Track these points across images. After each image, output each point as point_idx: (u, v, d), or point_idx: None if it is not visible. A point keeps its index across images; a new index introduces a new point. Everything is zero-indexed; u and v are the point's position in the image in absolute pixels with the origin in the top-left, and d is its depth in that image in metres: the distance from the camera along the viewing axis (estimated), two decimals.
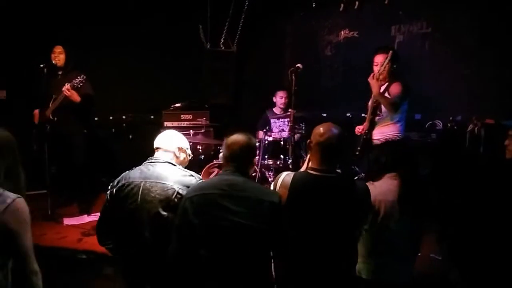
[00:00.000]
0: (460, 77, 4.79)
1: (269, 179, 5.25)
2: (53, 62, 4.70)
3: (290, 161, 4.73)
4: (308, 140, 2.35)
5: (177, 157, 2.63)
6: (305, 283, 2.23)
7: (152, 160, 2.54)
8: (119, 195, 2.43)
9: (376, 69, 4.01)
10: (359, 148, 4.14)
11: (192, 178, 2.49)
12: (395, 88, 3.96)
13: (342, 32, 6.05)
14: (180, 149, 2.64)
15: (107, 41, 5.93)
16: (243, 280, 2.13)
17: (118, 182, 2.48)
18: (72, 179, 4.83)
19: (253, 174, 5.23)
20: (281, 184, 2.30)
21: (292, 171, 2.60)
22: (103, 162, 5.47)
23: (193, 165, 5.27)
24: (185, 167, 2.67)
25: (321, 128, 2.30)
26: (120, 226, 2.44)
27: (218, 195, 2.17)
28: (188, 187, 2.39)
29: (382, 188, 2.54)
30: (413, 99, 4.96)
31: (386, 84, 4.07)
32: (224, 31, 6.69)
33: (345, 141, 2.32)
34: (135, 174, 2.47)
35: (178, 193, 2.38)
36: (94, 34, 5.78)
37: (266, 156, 5.23)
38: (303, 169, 2.53)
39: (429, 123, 5.00)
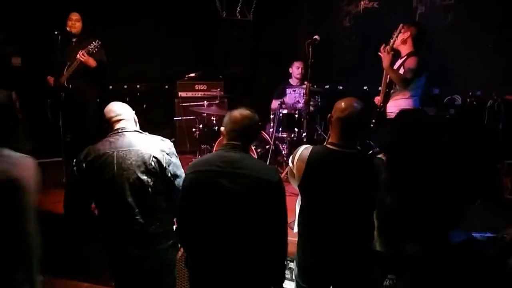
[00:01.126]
0: (482, 51, 4.67)
1: (283, 152, 5.23)
2: (69, 29, 4.65)
3: (305, 134, 4.68)
4: (329, 115, 2.30)
5: (136, 124, 2.64)
6: (323, 257, 2.23)
7: (119, 131, 2.52)
8: (92, 167, 2.43)
9: (390, 44, 3.91)
10: (373, 121, 4.08)
11: (163, 142, 2.52)
12: (410, 63, 3.86)
13: (362, 2, 5.88)
14: (134, 116, 2.65)
15: (122, 10, 5.87)
16: (240, 258, 2.13)
17: (86, 156, 2.45)
18: (86, 147, 4.84)
19: (267, 147, 5.22)
20: (298, 157, 2.27)
21: (306, 144, 2.56)
22: None
23: (207, 136, 5.33)
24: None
25: (343, 103, 2.24)
26: (99, 197, 2.47)
27: (214, 172, 2.13)
28: (162, 150, 2.45)
29: None
30: (432, 72, 4.88)
31: (404, 58, 3.96)
32: (240, 0, 6.56)
33: (366, 116, 2.27)
34: (104, 146, 2.46)
35: (153, 156, 2.41)
36: (109, 3, 5.71)
37: (280, 129, 5.19)
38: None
39: (447, 97, 4.91)
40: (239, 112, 2.21)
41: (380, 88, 4.14)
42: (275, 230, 2.15)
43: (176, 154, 2.56)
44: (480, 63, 4.69)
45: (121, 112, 2.59)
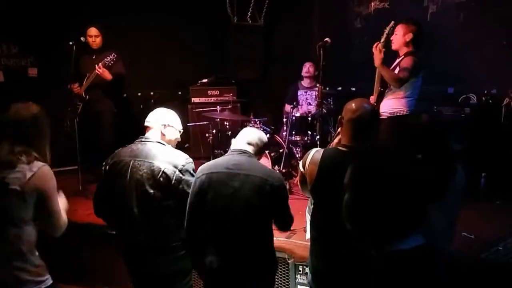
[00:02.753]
0: (496, 49, 4.61)
1: (297, 155, 5.23)
2: (90, 45, 4.78)
3: (318, 137, 4.68)
4: (340, 116, 2.30)
5: (163, 134, 2.61)
6: (336, 262, 2.23)
7: (143, 139, 2.57)
8: (111, 172, 2.51)
9: (382, 41, 3.83)
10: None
11: (180, 158, 2.51)
12: (405, 62, 3.78)
13: (373, 3, 5.86)
14: (165, 126, 2.62)
15: (134, 17, 5.93)
16: (246, 255, 2.29)
17: (111, 159, 2.56)
18: (102, 156, 4.90)
19: (281, 150, 5.22)
20: (310, 160, 2.27)
21: (320, 147, 2.58)
22: (132, 139, 5.55)
23: (221, 141, 5.35)
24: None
25: (353, 104, 2.24)
26: (113, 202, 2.52)
27: (225, 174, 2.30)
28: (175, 166, 2.45)
29: None
30: (446, 72, 4.83)
31: (401, 58, 3.91)
32: (251, 5, 6.58)
33: (377, 117, 2.26)
34: (126, 152, 2.53)
35: (163, 172, 2.42)
36: (121, 11, 5.79)
37: (293, 132, 5.20)
38: (333, 144, 2.49)
39: (462, 97, 4.85)
40: (254, 129, 2.57)
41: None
42: (279, 224, 2.49)
43: (193, 171, 2.51)
44: (494, 61, 4.62)
45: (150, 119, 2.64)
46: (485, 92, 4.70)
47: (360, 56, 6.00)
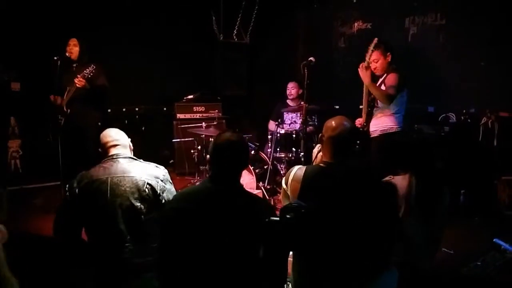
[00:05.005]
0: (475, 69, 4.73)
1: (281, 172, 5.26)
2: (67, 55, 4.72)
3: (302, 153, 4.73)
4: (320, 134, 2.35)
5: (131, 151, 2.66)
6: (319, 278, 2.21)
7: (114, 157, 2.53)
8: (84, 193, 2.41)
9: (367, 59, 3.95)
10: (358, 142, 4.11)
11: (158, 169, 2.53)
12: (390, 79, 3.89)
13: (356, 23, 6.00)
14: (130, 144, 2.69)
15: (119, 33, 5.93)
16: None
17: (79, 182, 2.44)
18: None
19: (265, 167, 5.25)
20: (293, 177, 2.29)
21: (304, 163, 2.59)
22: None
23: (206, 157, 5.35)
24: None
25: (333, 122, 2.29)
26: (90, 223, 2.45)
27: (195, 211, 1.93)
28: (157, 177, 2.45)
29: (399, 184, 2.51)
30: (427, 91, 4.93)
31: (384, 76, 4.01)
32: (237, 23, 6.69)
33: (356, 134, 2.30)
34: (97, 172, 2.45)
35: (147, 183, 2.42)
36: (106, 26, 5.79)
37: (278, 149, 5.24)
38: (316, 162, 2.52)
39: (442, 115, 4.96)
40: (224, 138, 2.02)
41: (361, 107, 4.16)
42: (272, 273, 1.95)
43: (171, 181, 2.56)
44: (473, 81, 4.74)
45: (118, 137, 2.61)
46: (464, 111, 4.82)
47: (344, 74, 6.13)
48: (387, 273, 2.17)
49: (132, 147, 2.69)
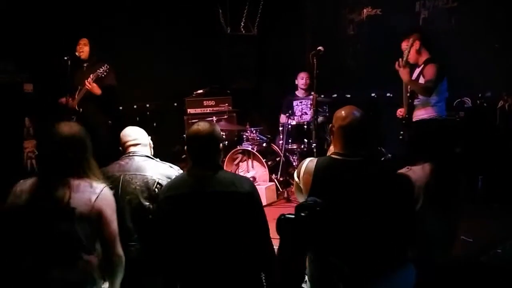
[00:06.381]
0: (489, 52, 4.62)
1: (294, 163, 5.24)
2: (77, 54, 4.74)
3: (314, 144, 4.68)
4: (330, 125, 2.30)
5: (151, 149, 2.69)
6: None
7: (130, 154, 2.57)
8: None
9: (404, 57, 3.92)
10: (401, 132, 4.09)
11: (171, 169, 2.54)
12: (429, 71, 3.88)
13: (365, 10, 5.90)
14: (150, 142, 2.70)
15: (128, 30, 5.95)
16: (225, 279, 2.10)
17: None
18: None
19: (277, 159, 5.22)
20: (304, 170, 2.25)
21: (316, 154, 2.55)
22: None
23: None
24: None
25: (343, 112, 2.24)
26: None
27: (187, 194, 2.12)
28: (168, 178, 2.45)
29: (417, 174, 2.45)
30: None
31: (422, 66, 3.97)
32: (244, 15, 6.63)
33: (368, 123, 2.25)
34: (113, 168, 2.51)
35: (158, 183, 2.43)
36: (116, 25, 5.81)
37: (290, 140, 5.21)
38: (328, 153, 2.48)
39: (457, 100, 4.87)
40: (196, 129, 2.18)
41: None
42: (258, 241, 2.15)
43: None
44: (488, 64, 4.63)
45: (137, 136, 2.64)
46: (479, 95, 4.73)
47: (354, 62, 6.04)
48: (404, 269, 2.12)
49: (152, 145, 2.70)
